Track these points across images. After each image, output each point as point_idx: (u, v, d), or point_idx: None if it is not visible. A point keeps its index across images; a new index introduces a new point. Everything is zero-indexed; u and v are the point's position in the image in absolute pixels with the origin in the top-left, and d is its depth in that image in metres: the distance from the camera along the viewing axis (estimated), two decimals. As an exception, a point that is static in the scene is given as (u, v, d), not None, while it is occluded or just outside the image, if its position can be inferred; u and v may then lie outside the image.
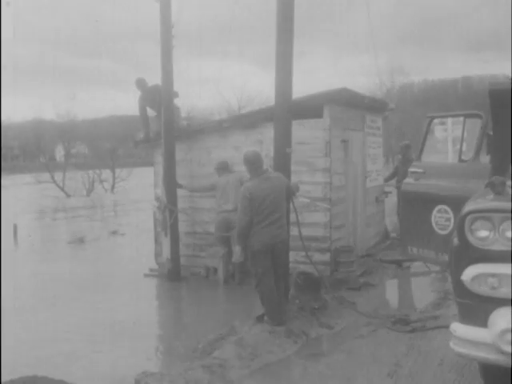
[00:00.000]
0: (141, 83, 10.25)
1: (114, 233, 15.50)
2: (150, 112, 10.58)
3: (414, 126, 29.67)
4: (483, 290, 3.76)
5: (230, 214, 8.57)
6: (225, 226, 8.85)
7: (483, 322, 3.75)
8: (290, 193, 6.67)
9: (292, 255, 7.19)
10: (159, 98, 9.50)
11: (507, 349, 3.57)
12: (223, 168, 9.06)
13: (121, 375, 5.40)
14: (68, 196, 30.77)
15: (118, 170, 35.83)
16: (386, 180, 11.99)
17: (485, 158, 5.75)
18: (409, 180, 6.67)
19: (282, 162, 7.02)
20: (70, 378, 5.20)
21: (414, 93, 56.46)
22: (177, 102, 9.93)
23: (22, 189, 33.10)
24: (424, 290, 8.18)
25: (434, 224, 6.05)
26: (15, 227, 15.44)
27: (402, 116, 37.70)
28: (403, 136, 27.50)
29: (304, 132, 8.39)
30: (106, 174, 35.09)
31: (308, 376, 5.26)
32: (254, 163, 6.36)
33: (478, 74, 56.79)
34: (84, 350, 6.25)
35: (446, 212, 5.91)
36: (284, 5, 6.94)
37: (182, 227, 9.53)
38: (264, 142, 8.58)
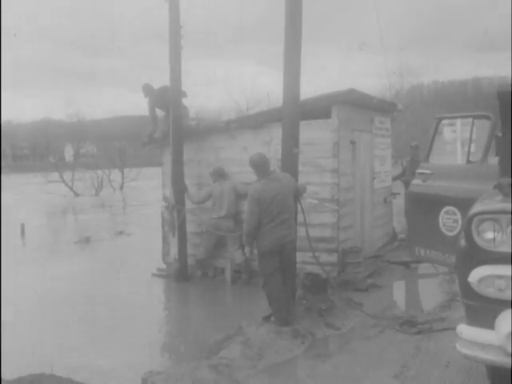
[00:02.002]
0: (147, 89, 10.19)
1: (121, 233, 15.55)
2: (160, 112, 10.61)
3: (424, 128, 29.55)
4: (490, 291, 3.75)
5: (221, 220, 9.11)
6: (215, 231, 9.22)
7: (490, 324, 3.74)
8: (298, 193, 6.69)
9: (299, 256, 7.18)
10: (167, 98, 9.54)
11: (514, 351, 3.56)
12: (219, 174, 9.26)
13: (127, 374, 5.43)
14: (77, 195, 30.89)
15: (126, 170, 35.97)
16: (394, 179, 12.04)
17: (493, 160, 5.73)
18: (416, 181, 6.65)
19: (290, 162, 7.03)
20: (77, 377, 5.23)
21: (424, 94, 56.23)
22: (185, 101, 9.97)
23: (31, 188, 33.25)
24: (432, 292, 8.14)
25: (441, 225, 6.03)
26: (23, 226, 15.53)
27: (411, 117, 37.56)
28: (412, 137, 27.39)
29: (312, 133, 8.39)
30: (115, 173, 35.20)
31: (314, 376, 5.25)
32: (260, 166, 6.39)
33: (487, 75, 56.53)
34: (90, 349, 6.29)
35: (453, 213, 5.89)
36: (292, 9, 6.95)
37: (190, 227, 9.56)
38: (272, 142, 8.59)
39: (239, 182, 9.09)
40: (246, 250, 6.51)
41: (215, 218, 9.17)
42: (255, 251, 6.46)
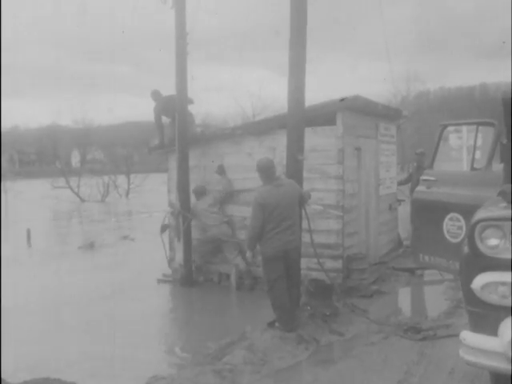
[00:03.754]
0: (156, 95, 10.56)
1: (125, 238, 15.57)
2: (166, 120, 10.70)
3: (430, 134, 29.51)
4: (493, 298, 3.75)
5: (219, 227, 9.27)
6: (213, 240, 9.43)
7: (493, 331, 3.74)
8: (303, 200, 6.70)
9: (304, 262, 7.20)
10: (174, 105, 9.61)
11: (517, 358, 3.55)
12: (201, 192, 9.53)
13: (131, 378, 5.45)
14: (83, 201, 31.00)
15: (132, 176, 36.05)
16: (400, 183, 12.03)
17: (497, 167, 5.73)
18: (421, 188, 6.66)
19: (295, 169, 7.04)
20: (82, 380, 5.26)
21: (430, 100, 56.13)
22: (191, 108, 10.04)
23: (37, 194, 33.37)
24: (437, 299, 8.12)
25: (445, 232, 6.03)
26: (28, 232, 15.59)
27: (417, 124, 37.55)
28: (419, 144, 27.38)
29: (317, 139, 8.41)
30: (121, 179, 35.28)
31: (318, 382, 5.25)
32: (266, 171, 6.41)
33: (495, 81, 56.24)
34: (94, 353, 6.31)
35: (457, 220, 5.90)
36: (297, 14, 6.98)
37: (195, 233, 9.58)
38: (277, 148, 8.61)
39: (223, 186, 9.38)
40: (248, 255, 6.54)
41: (212, 228, 9.34)
42: (259, 257, 6.48)
